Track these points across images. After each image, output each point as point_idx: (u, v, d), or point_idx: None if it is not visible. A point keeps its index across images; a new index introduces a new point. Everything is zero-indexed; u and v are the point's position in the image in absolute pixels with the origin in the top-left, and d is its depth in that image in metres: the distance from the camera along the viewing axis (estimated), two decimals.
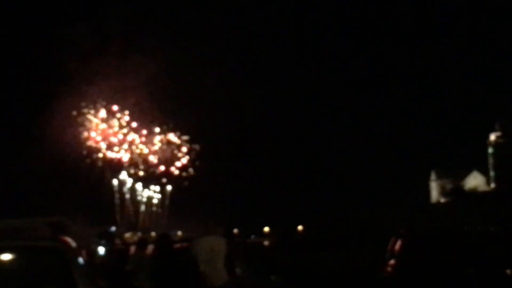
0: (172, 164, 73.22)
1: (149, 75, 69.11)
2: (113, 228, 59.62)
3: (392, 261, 11.60)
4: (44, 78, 65.33)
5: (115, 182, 71.31)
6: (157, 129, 72.34)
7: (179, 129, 73.32)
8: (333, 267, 24.40)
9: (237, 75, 72.83)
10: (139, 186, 73.79)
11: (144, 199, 75.34)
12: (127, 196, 72.91)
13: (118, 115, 70.12)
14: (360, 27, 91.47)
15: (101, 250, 25.52)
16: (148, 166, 72.47)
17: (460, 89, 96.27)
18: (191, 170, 73.52)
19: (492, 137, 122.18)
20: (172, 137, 73.17)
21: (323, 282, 22.01)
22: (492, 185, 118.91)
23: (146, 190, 75.01)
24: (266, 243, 43.69)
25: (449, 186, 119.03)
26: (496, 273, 10.59)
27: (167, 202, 75.97)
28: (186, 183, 72.99)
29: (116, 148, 70.48)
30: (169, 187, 74.67)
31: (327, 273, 23.47)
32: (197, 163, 73.48)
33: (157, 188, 75.17)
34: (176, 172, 73.59)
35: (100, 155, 69.52)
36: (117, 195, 72.05)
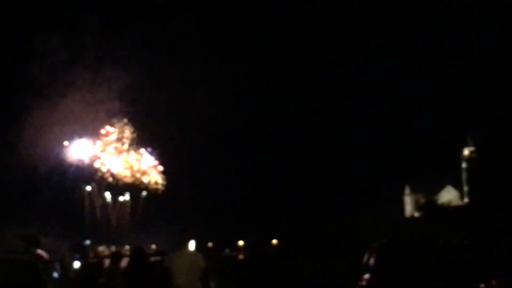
0: (143, 181, 73.05)
1: (122, 87, 68.95)
2: (88, 242, 59.15)
3: (366, 275, 11.62)
4: (16, 89, 64.97)
5: (86, 189, 70.90)
6: (128, 143, 72.15)
7: (151, 142, 73.17)
8: (308, 280, 24.43)
9: (213, 88, 72.85)
10: (108, 194, 73.32)
11: (116, 207, 74.67)
12: (98, 206, 72.45)
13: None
14: (330, 45, 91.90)
15: (76, 264, 25.28)
16: (118, 180, 72.16)
17: (433, 104, 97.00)
18: (162, 186, 73.36)
19: (466, 151, 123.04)
20: (143, 151, 73.02)
21: None
22: (466, 200, 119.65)
23: (120, 197, 74.33)
24: (240, 256, 43.62)
25: (423, 200, 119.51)
26: (469, 287, 10.66)
27: (139, 212, 75.42)
28: (159, 198, 72.77)
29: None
30: (144, 193, 74.24)
31: (301, 285, 23.48)
32: (169, 177, 73.33)
33: (127, 196, 74.56)
34: (150, 186, 73.36)
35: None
36: (87, 207, 71.60)
